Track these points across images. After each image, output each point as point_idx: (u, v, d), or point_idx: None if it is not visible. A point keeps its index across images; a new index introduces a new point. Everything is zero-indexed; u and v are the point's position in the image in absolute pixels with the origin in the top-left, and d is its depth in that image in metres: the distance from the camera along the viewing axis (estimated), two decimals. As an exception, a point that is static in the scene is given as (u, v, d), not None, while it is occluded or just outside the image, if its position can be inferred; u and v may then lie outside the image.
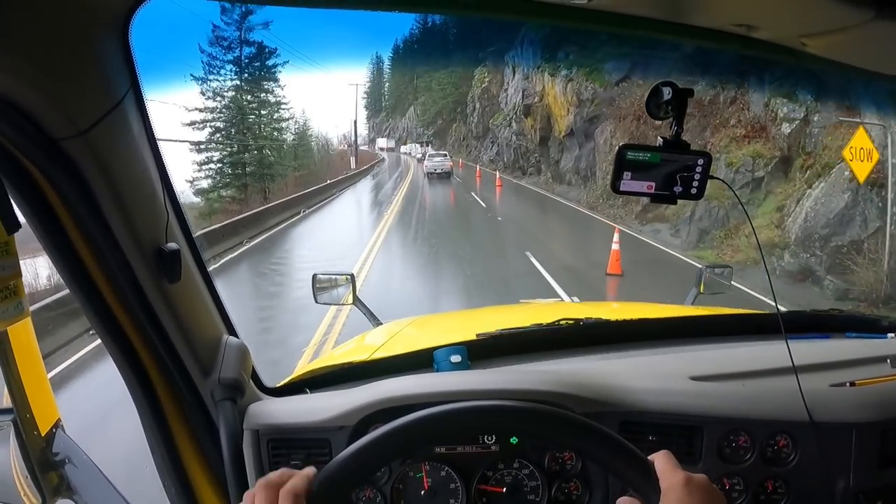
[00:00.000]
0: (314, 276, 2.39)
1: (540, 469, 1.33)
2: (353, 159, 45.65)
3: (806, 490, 1.32)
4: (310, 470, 0.89)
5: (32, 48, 0.76)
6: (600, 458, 0.97)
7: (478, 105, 50.24)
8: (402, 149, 76.07)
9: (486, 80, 47.30)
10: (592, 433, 0.95)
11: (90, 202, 0.94)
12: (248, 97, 34.30)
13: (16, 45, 0.74)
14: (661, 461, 0.92)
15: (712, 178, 1.17)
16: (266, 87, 34.84)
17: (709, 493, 0.90)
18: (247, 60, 33.35)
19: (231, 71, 33.00)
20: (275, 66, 34.38)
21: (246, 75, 34.00)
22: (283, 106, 35.73)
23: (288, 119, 37.03)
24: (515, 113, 35.15)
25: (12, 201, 0.90)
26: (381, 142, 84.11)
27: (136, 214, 1.00)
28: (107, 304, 1.08)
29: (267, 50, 33.53)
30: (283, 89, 35.53)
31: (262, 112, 34.70)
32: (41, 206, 0.95)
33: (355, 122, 59.01)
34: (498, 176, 30.60)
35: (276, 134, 35.90)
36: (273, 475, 0.86)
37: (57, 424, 1.30)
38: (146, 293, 1.07)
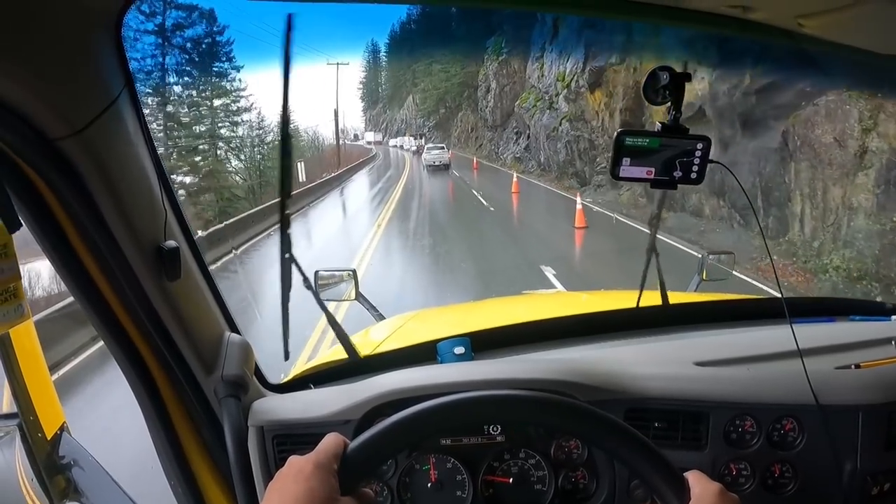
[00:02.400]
0: (316, 273, 2.39)
1: (546, 459, 1.33)
2: (300, 167, 27.68)
3: (813, 474, 1.32)
4: (342, 437, 0.89)
5: (26, 49, 0.75)
6: (635, 465, 0.95)
7: (494, 84, 38.67)
8: (392, 142, 70.62)
9: (505, 51, 36.21)
10: (631, 440, 0.94)
11: (88, 202, 0.94)
12: (188, 80, 25.58)
13: (9, 47, 0.74)
14: (695, 474, 0.93)
15: (712, 162, 1.17)
16: (215, 68, 26.21)
17: None
18: (173, 29, 23.26)
19: (152, 45, 23.04)
20: (224, 40, 24.97)
21: (179, 53, 24.32)
22: (240, 94, 26.79)
23: (246, 110, 27.45)
24: (568, 86, 22.72)
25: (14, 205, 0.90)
26: (369, 135, 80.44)
27: (135, 213, 1.00)
28: (107, 305, 1.08)
29: (204, 14, 24.30)
30: (238, 71, 26.50)
31: (215, 103, 26.25)
32: (38, 207, 0.95)
33: (336, 111, 49.78)
34: (579, 206, 14.53)
35: (236, 130, 27.25)
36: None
37: (63, 427, 1.30)
38: (147, 292, 1.06)
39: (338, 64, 50.36)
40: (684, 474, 0.93)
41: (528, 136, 30.02)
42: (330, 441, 0.88)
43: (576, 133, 22.74)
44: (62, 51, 0.81)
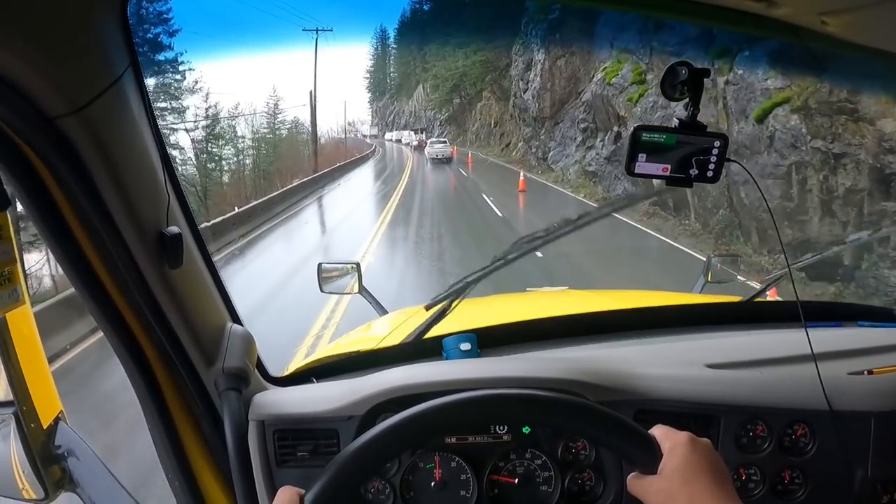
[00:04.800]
0: (319, 266, 2.38)
1: (553, 459, 1.31)
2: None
3: (823, 480, 1.30)
4: (296, 490, 0.88)
5: (27, 23, 0.73)
6: (598, 436, 0.98)
7: (540, 57, 26.51)
8: (388, 136, 67.73)
9: (557, 8, 23.00)
10: (589, 412, 0.95)
11: (88, 183, 0.91)
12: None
13: (10, 21, 0.71)
14: (661, 428, 0.94)
15: (729, 160, 1.15)
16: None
17: (712, 454, 0.90)
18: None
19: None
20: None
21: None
22: (179, 65, 21.60)
23: (185, 90, 22.17)
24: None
25: (3, 182, 0.87)
26: (365, 129, 79.52)
27: (136, 196, 0.97)
28: (106, 291, 1.06)
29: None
30: (172, 37, 21.91)
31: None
32: (36, 188, 0.92)
33: (313, 93, 37.25)
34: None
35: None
36: None
37: (59, 416, 1.28)
38: (147, 279, 1.04)
39: (317, 30, 40.49)
40: (649, 431, 0.93)
41: (618, 137, 17.99)
42: (283, 498, 0.86)
43: (839, 144, 9.96)
44: (64, 25, 0.78)
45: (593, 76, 20.84)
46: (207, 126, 25.12)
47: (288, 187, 22.94)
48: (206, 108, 25.59)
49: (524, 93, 29.19)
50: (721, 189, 12.74)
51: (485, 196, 20.06)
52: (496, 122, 39.64)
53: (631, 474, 0.93)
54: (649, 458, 0.90)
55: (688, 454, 0.88)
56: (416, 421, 0.92)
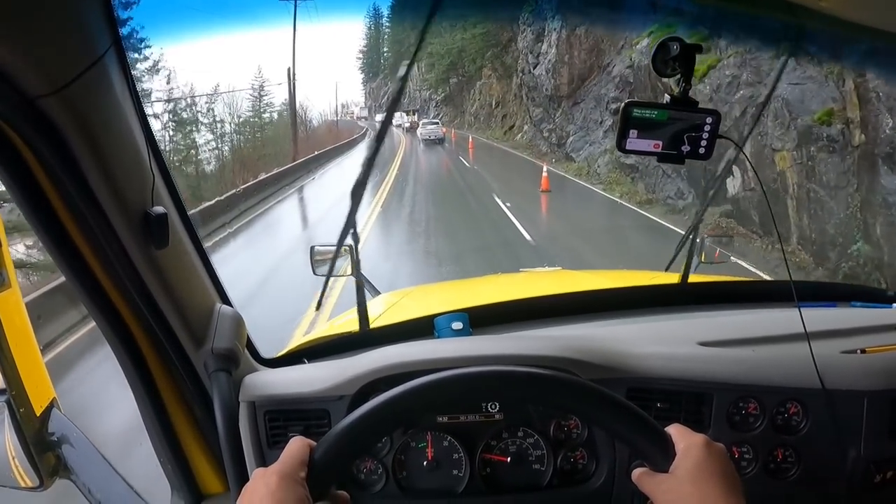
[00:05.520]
0: (312, 248, 2.36)
1: (545, 438, 1.31)
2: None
3: (816, 459, 1.30)
4: (307, 441, 0.87)
5: (4, 1, 0.71)
6: (613, 427, 0.95)
7: (558, 25, 22.36)
8: (378, 117, 63.31)
9: None
10: (606, 401, 0.93)
11: (71, 164, 0.89)
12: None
13: None
14: (677, 427, 0.92)
15: (721, 137, 1.14)
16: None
17: (725, 460, 0.89)
18: None
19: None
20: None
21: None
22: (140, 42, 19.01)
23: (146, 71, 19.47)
24: None
25: None
26: (356, 110, 79.28)
27: (120, 176, 0.95)
28: (93, 274, 1.04)
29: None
30: (127, 9, 15.97)
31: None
32: (19, 170, 0.91)
33: (291, 70, 33.16)
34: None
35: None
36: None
37: (52, 403, 1.28)
38: (133, 260, 1.02)
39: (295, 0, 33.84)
40: (665, 429, 0.92)
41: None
42: (295, 447, 0.86)
43: None
44: (43, 3, 0.76)
45: (622, 47, 17.31)
46: (172, 111, 23.01)
47: (227, 195, 16.27)
48: (170, 90, 23.36)
49: (534, 68, 24.48)
50: (853, 209, 8.84)
51: (497, 199, 14.87)
52: (498, 102, 35.99)
53: (640, 469, 0.92)
54: (662, 456, 0.89)
55: (702, 457, 0.86)
56: (406, 398, 0.92)
